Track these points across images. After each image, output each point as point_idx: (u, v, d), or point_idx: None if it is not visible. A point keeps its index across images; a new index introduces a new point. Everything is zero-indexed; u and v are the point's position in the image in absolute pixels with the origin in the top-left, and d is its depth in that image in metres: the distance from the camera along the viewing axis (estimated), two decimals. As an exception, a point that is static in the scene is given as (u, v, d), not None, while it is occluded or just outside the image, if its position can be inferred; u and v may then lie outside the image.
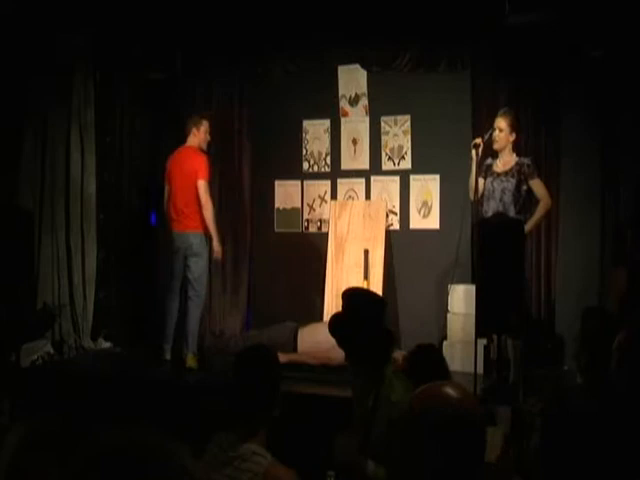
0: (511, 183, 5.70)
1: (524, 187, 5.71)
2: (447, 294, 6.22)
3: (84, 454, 1.18)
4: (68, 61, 6.85)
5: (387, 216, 7.08)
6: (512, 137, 5.79)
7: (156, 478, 1.14)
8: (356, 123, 7.34)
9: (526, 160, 5.79)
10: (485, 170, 5.82)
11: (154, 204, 7.67)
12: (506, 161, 5.80)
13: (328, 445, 3.00)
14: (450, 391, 1.74)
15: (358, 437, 3.13)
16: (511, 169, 5.74)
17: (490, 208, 5.74)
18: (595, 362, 3.97)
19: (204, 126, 6.41)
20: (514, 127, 5.79)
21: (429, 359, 3.42)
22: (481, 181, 5.76)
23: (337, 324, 3.27)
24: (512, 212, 5.67)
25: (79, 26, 6.76)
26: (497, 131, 5.75)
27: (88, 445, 1.19)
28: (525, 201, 5.74)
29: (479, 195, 5.67)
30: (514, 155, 5.82)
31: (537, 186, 5.73)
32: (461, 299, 6.16)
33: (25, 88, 6.61)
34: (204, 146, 6.45)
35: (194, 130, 6.38)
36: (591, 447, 2.23)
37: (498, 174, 5.77)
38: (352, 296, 3.35)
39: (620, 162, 6.08)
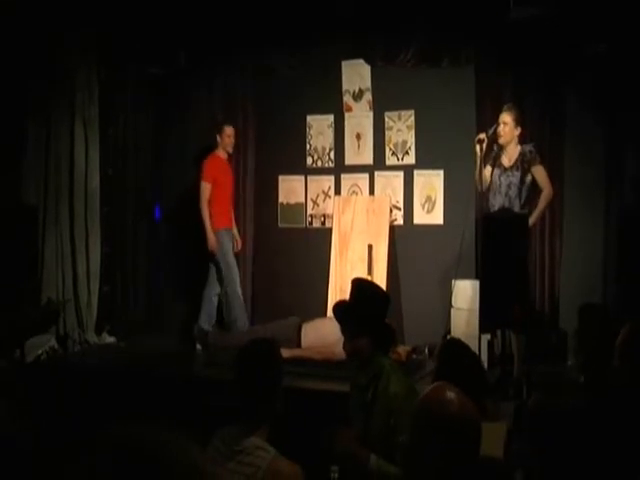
0: (516, 177, 5.73)
1: (528, 177, 5.73)
2: (451, 289, 6.21)
3: (96, 450, 1.18)
4: (72, 56, 6.84)
5: (391, 211, 7.08)
6: (517, 131, 5.81)
7: (168, 474, 1.15)
8: (360, 118, 7.33)
9: (528, 147, 5.80)
10: (493, 158, 5.83)
11: (158, 198, 7.69)
12: (512, 155, 5.82)
13: (326, 438, 3.02)
14: (451, 394, 1.91)
15: (357, 429, 3.14)
16: (516, 161, 5.77)
17: (497, 202, 5.77)
18: (594, 359, 3.94)
19: (225, 132, 6.94)
20: (519, 121, 5.80)
21: (462, 356, 3.25)
22: (488, 169, 5.76)
23: (342, 309, 3.34)
24: (517, 205, 5.68)
25: (83, 22, 6.76)
26: (502, 125, 5.75)
27: (100, 441, 1.19)
28: (529, 192, 5.76)
29: (485, 187, 5.69)
30: (519, 147, 5.83)
31: (539, 173, 5.74)
32: (465, 294, 6.14)
33: (29, 83, 6.61)
34: (229, 149, 7.02)
35: (217, 137, 6.96)
36: (589, 444, 2.22)
37: (505, 168, 5.79)
38: (360, 287, 3.39)
39: (624, 156, 6.07)
